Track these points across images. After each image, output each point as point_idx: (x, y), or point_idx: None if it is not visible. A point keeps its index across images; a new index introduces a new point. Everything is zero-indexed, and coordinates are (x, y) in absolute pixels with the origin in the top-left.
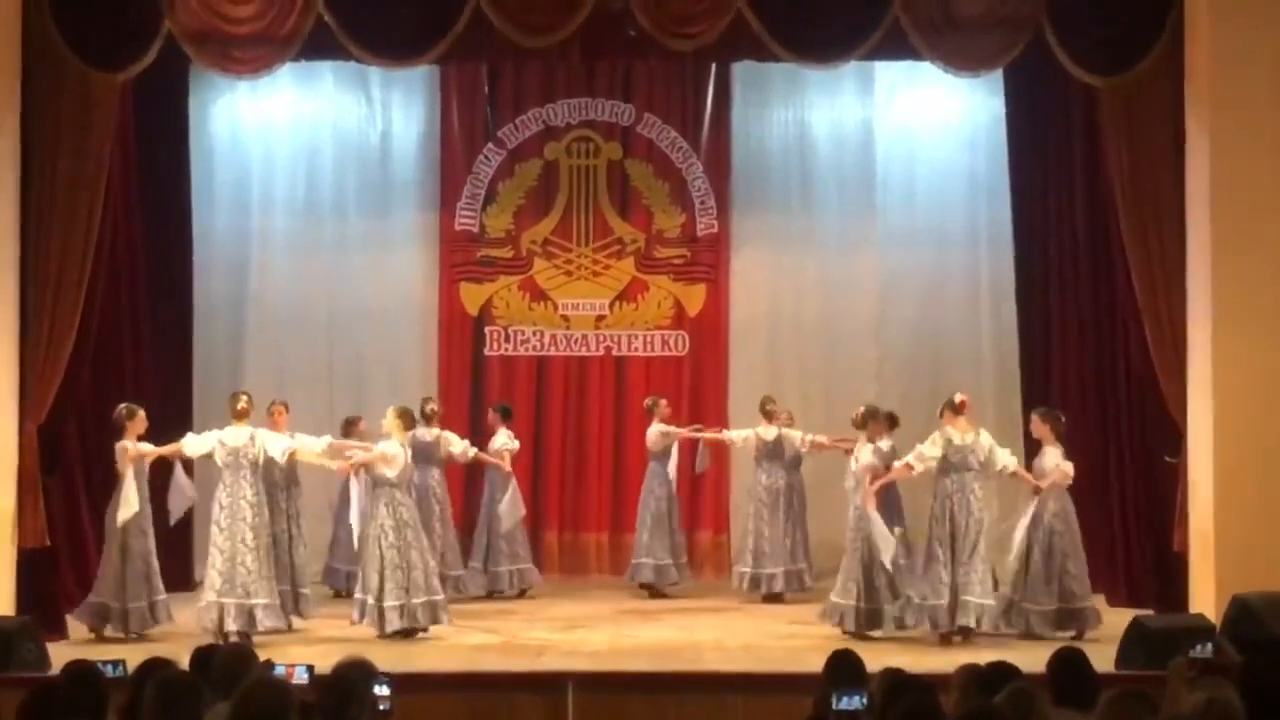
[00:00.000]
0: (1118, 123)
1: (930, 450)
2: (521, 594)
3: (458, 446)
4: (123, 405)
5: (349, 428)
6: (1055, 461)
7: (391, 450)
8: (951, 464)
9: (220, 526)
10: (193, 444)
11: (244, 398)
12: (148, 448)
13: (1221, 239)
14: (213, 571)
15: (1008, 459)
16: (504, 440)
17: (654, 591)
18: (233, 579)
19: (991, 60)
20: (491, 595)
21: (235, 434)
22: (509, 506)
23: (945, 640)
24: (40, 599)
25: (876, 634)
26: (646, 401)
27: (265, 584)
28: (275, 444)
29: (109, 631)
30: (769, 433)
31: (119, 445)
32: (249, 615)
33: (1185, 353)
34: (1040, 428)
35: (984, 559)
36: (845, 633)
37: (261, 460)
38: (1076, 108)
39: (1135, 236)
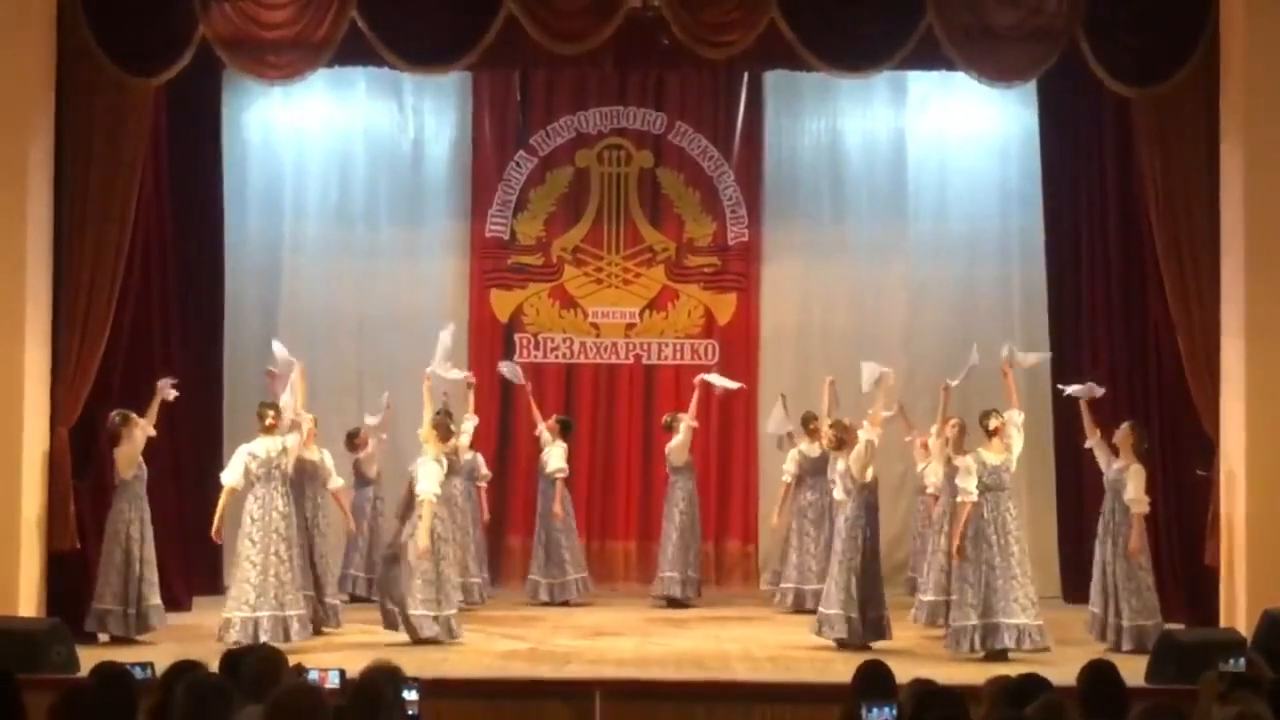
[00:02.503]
0: (1152, 134)
1: (969, 482)
2: (565, 602)
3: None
4: (115, 412)
5: (351, 442)
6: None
7: (427, 483)
8: (985, 485)
9: (253, 540)
10: (231, 475)
11: (271, 412)
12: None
13: (1256, 252)
14: (245, 585)
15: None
16: (557, 461)
17: (674, 603)
18: (266, 591)
19: (1025, 71)
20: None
21: (267, 444)
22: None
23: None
24: (70, 601)
25: (879, 644)
26: (666, 419)
27: (297, 595)
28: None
29: (111, 633)
30: (812, 450)
31: (121, 451)
32: (284, 627)
33: (1218, 366)
34: (1125, 439)
35: (1026, 578)
36: (839, 643)
37: (290, 470)
38: (1110, 119)
39: (1169, 249)
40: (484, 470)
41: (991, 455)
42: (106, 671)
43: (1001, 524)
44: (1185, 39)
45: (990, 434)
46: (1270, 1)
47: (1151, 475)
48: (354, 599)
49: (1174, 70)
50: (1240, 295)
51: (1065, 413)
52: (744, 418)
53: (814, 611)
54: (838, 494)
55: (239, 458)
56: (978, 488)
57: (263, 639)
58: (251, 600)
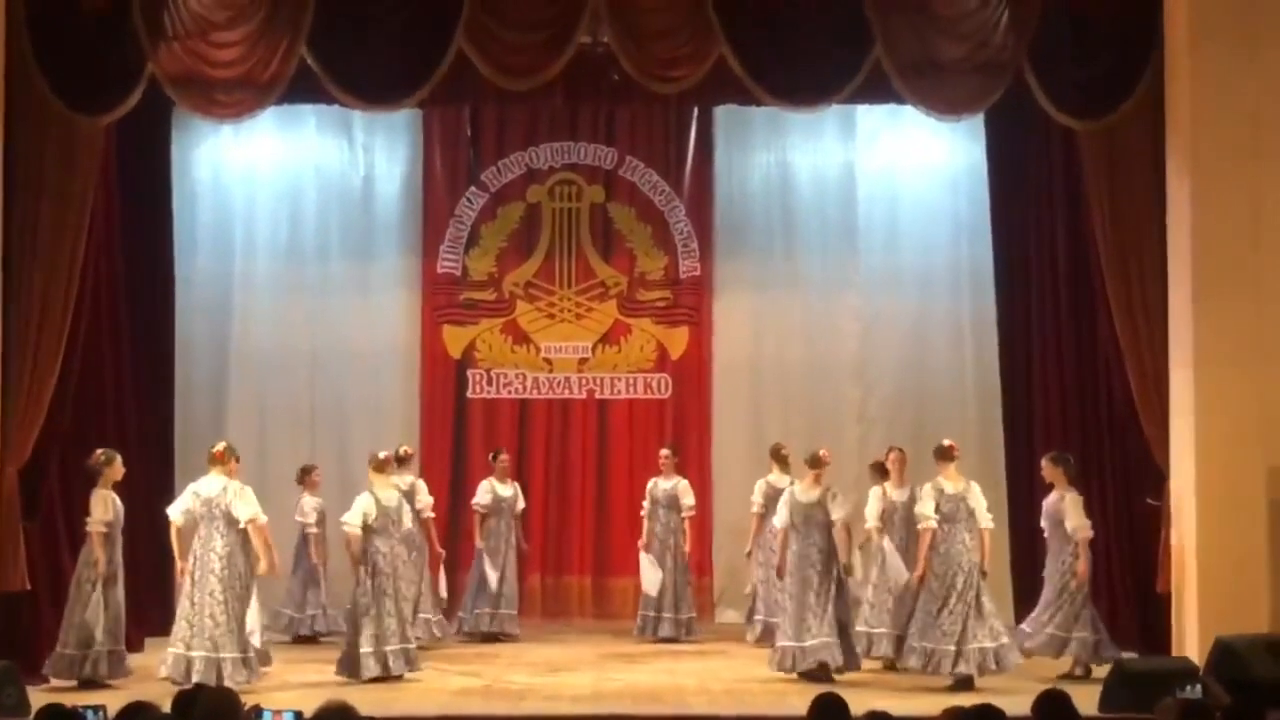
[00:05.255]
0: (1098, 166)
1: (928, 507)
2: (497, 639)
3: (421, 501)
4: (100, 451)
5: (304, 477)
6: (1082, 522)
7: (352, 522)
8: (943, 513)
9: (192, 579)
10: (175, 512)
11: (221, 444)
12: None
13: (1203, 282)
14: (182, 622)
15: (988, 522)
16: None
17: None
18: (201, 631)
19: (972, 104)
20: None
21: (209, 484)
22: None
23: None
24: (21, 643)
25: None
26: (664, 452)
27: (232, 638)
28: (243, 508)
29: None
30: (781, 480)
31: (101, 494)
32: (216, 668)
33: (1167, 395)
34: (1053, 472)
35: (982, 607)
36: (800, 675)
37: (234, 513)
38: (1058, 151)
39: (1117, 279)
40: (426, 498)
41: (949, 484)
42: (54, 713)
43: (958, 555)
44: (1130, 71)
45: (946, 458)
46: (1213, 34)
47: (1103, 504)
48: (297, 640)
49: (1119, 102)
50: (1188, 324)
51: (1017, 438)
52: (698, 452)
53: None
54: (777, 521)
55: (184, 495)
56: (936, 514)
57: (195, 678)
58: (185, 637)
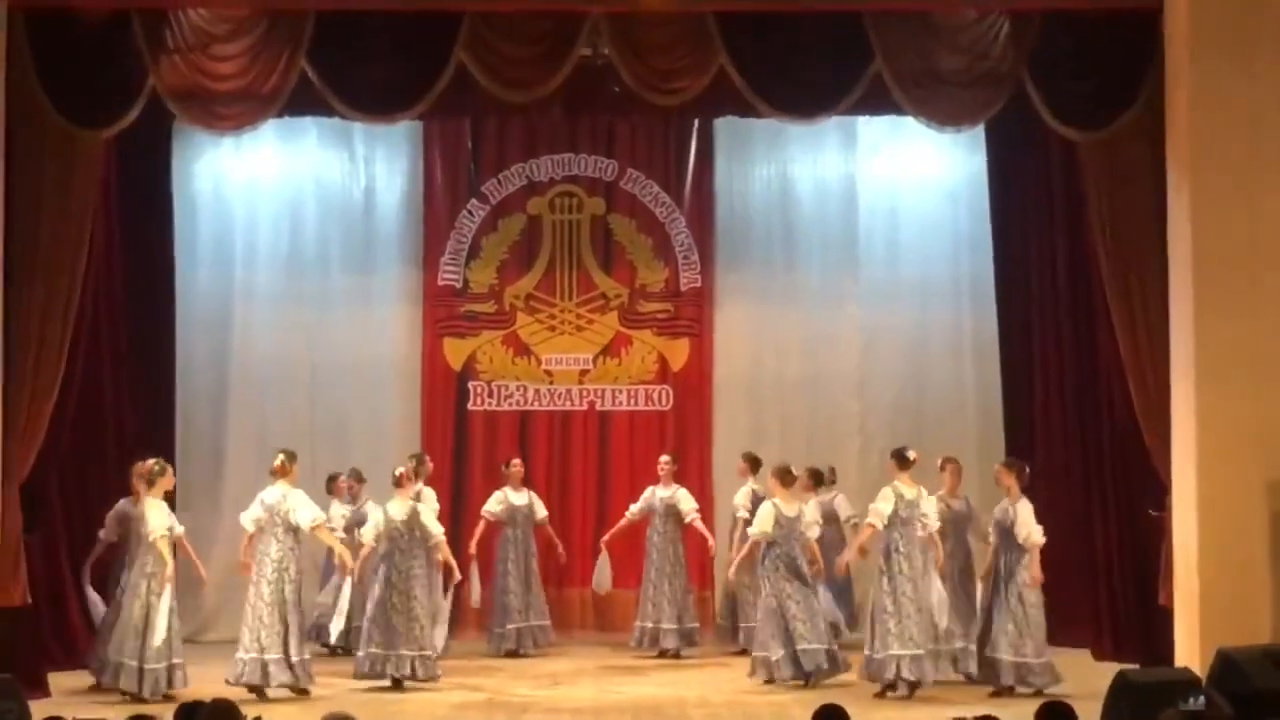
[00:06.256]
0: (1099, 177)
1: (885, 506)
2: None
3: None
4: (154, 460)
5: (331, 484)
6: (1034, 528)
7: (370, 532)
8: (900, 518)
9: (263, 584)
10: (247, 520)
11: (281, 456)
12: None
13: (1204, 294)
14: (243, 627)
15: (935, 523)
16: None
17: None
18: (256, 633)
19: (973, 115)
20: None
21: (272, 493)
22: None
23: (881, 695)
24: (22, 657)
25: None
26: (664, 459)
27: (278, 640)
28: (305, 512)
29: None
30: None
31: (155, 503)
32: (261, 669)
33: (1169, 406)
34: (1007, 477)
35: (930, 611)
36: (766, 682)
37: (293, 521)
38: (1058, 163)
39: (1118, 290)
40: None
41: (908, 490)
42: None
43: (910, 559)
44: (1130, 83)
45: (904, 465)
46: (1213, 46)
47: (1104, 515)
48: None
49: (1119, 114)
50: (1189, 336)
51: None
52: (698, 464)
53: None
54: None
55: (254, 505)
56: (890, 520)
57: (250, 678)
58: (245, 642)
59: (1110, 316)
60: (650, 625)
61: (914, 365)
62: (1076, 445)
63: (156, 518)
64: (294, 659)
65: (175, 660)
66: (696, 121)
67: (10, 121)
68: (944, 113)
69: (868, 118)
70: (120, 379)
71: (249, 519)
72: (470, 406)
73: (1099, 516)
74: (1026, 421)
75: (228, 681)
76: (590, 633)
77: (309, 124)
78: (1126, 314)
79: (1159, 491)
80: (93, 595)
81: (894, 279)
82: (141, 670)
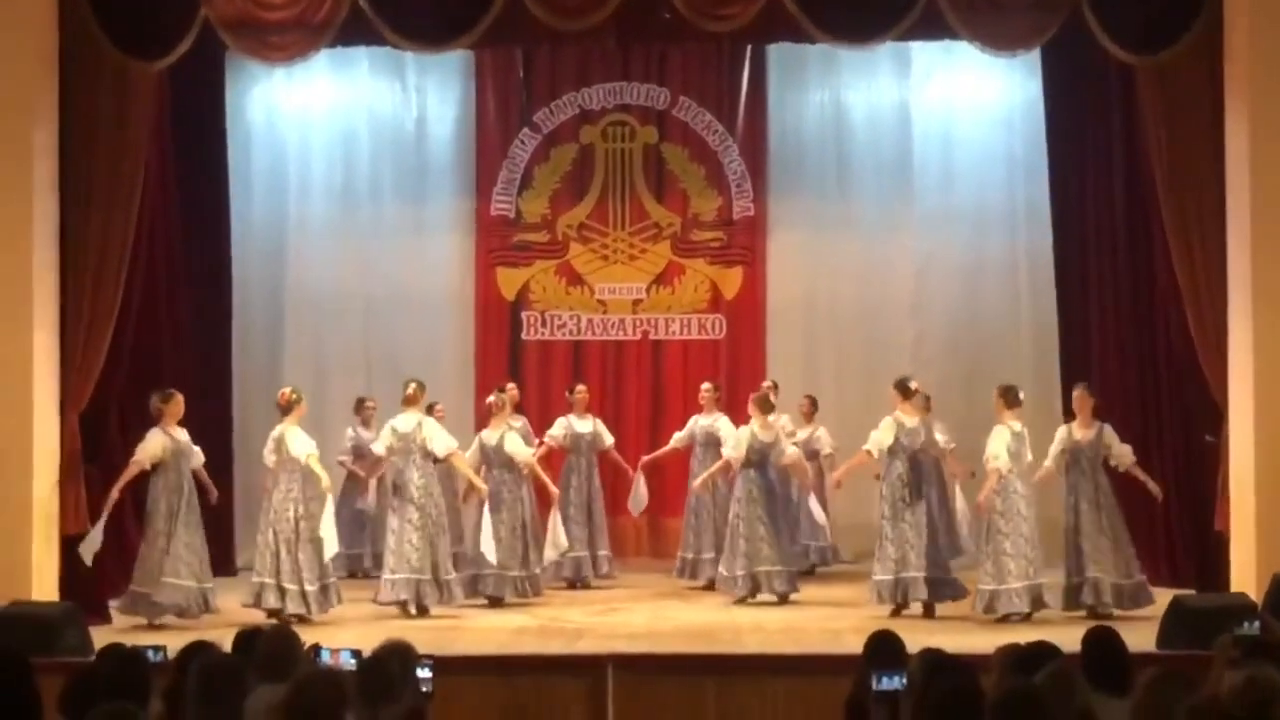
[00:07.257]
0: (1157, 104)
1: (885, 436)
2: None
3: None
4: (289, 388)
5: (360, 407)
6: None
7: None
8: (902, 446)
9: (410, 508)
10: (380, 446)
11: (413, 385)
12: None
13: (1262, 220)
14: (389, 553)
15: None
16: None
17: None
18: (402, 557)
19: (1028, 39)
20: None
21: (404, 421)
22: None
23: (895, 613)
24: (83, 585)
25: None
26: (705, 386)
27: (427, 563)
28: (439, 441)
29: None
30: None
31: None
32: (416, 590)
33: (1226, 333)
34: (997, 403)
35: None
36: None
37: (428, 449)
38: (1115, 87)
39: (1174, 217)
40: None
41: (908, 419)
42: (117, 654)
43: (916, 485)
44: (1189, 5)
45: (906, 395)
46: None
47: (1160, 442)
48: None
49: (1178, 36)
50: (1246, 263)
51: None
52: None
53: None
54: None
55: (384, 431)
56: (893, 449)
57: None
58: (391, 565)
59: (1167, 242)
60: (690, 556)
61: (969, 292)
62: (1132, 371)
63: (300, 443)
64: (443, 578)
65: (331, 579)
66: (749, 48)
67: (65, 55)
68: (999, 37)
69: (921, 43)
70: (177, 310)
71: (380, 444)
72: (524, 336)
73: (1155, 442)
74: (1082, 347)
75: (379, 602)
76: (645, 559)
77: (361, 54)
78: (1183, 240)
79: (1215, 418)
80: (96, 531)
81: (948, 206)
82: (304, 591)
